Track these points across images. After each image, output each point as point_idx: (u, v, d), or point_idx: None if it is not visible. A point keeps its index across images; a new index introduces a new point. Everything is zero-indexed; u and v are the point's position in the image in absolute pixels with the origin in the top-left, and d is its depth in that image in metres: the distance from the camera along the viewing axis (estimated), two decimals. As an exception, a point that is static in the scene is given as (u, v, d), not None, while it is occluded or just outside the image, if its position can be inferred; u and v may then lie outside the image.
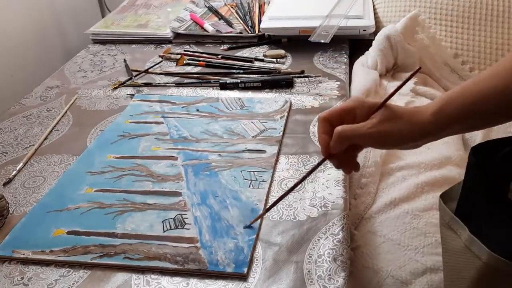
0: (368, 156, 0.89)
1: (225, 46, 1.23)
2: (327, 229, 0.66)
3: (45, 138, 0.90)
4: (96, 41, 1.33)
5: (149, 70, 1.13)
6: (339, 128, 0.57)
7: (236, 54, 1.18)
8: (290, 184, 0.74)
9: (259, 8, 1.37)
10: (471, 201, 0.54)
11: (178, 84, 1.06)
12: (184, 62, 1.15)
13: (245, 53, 1.19)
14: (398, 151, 0.93)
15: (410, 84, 1.14)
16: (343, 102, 0.56)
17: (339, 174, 0.75)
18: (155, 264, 0.61)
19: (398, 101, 1.09)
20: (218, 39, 1.27)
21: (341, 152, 0.59)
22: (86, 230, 0.67)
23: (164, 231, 0.66)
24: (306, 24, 1.18)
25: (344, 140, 0.57)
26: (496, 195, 0.48)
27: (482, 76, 0.53)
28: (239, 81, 1.03)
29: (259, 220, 0.67)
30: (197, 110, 0.95)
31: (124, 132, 0.89)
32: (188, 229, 0.66)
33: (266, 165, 0.78)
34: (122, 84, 1.07)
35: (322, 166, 0.77)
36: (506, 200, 0.47)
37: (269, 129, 0.87)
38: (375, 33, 1.16)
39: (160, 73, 1.12)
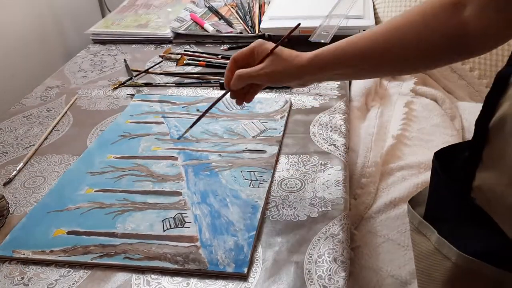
0: (368, 156, 0.89)
1: (225, 46, 1.23)
2: (327, 229, 0.66)
3: (45, 138, 0.90)
4: (96, 41, 1.33)
5: (149, 70, 1.13)
6: (238, 71, 0.69)
7: (236, 54, 1.18)
8: (291, 184, 0.74)
9: (259, 8, 1.37)
10: (437, 205, 0.56)
11: (178, 84, 1.06)
12: (184, 62, 1.15)
13: (245, 53, 1.19)
14: (398, 151, 0.93)
15: (410, 84, 1.14)
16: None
17: (339, 174, 0.75)
18: (155, 264, 0.61)
19: (398, 100, 1.09)
20: (218, 39, 1.27)
21: (241, 89, 0.72)
22: (86, 230, 0.67)
23: (164, 230, 0.66)
24: (306, 24, 1.18)
25: (241, 81, 0.69)
26: (460, 198, 0.49)
27: (354, 38, 0.64)
28: None
29: (258, 220, 0.67)
30: (197, 110, 0.95)
31: (124, 132, 0.89)
32: (188, 227, 0.66)
33: (266, 165, 0.78)
34: (122, 84, 1.07)
35: (323, 166, 0.78)
36: (470, 202, 0.48)
37: (269, 129, 0.87)
38: (375, 33, 1.16)
39: (160, 73, 1.12)
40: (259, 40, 0.71)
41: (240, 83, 0.70)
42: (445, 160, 0.54)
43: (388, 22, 0.62)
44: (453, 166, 0.52)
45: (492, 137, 0.43)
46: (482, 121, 0.43)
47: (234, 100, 0.90)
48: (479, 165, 0.46)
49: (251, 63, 0.70)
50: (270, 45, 0.69)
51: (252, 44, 0.70)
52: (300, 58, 0.66)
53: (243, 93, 0.74)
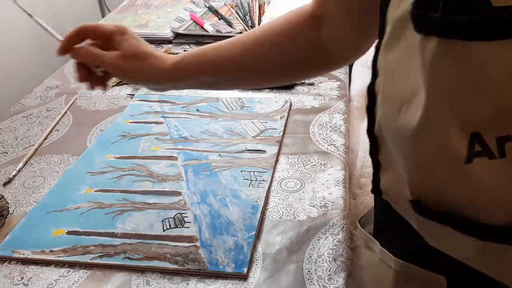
0: (368, 156, 0.89)
1: (225, 46, 1.22)
2: (327, 229, 0.66)
3: (45, 138, 0.90)
4: (96, 41, 1.32)
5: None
6: (89, 48, 0.62)
7: (236, 54, 1.18)
8: (291, 184, 0.74)
9: (259, 8, 1.37)
10: (378, 219, 0.58)
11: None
12: (184, 62, 1.15)
13: (245, 53, 1.19)
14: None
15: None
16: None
17: (339, 174, 0.76)
18: (155, 264, 0.61)
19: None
20: (218, 39, 1.26)
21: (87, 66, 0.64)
22: (86, 230, 0.67)
23: (164, 230, 0.66)
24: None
25: (87, 58, 0.62)
26: (385, 205, 0.51)
27: (219, 44, 0.63)
28: None
29: (258, 220, 0.67)
30: (197, 110, 0.95)
31: (124, 132, 0.89)
32: (188, 227, 0.66)
33: (266, 165, 0.78)
34: (120, 82, 1.08)
35: (322, 166, 0.78)
36: (392, 209, 0.50)
37: (269, 129, 0.87)
38: (375, 33, 1.16)
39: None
40: (123, 28, 0.64)
41: (82, 57, 0.62)
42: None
43: (253, 30, 0.63)
44: None
45: (380, 142, 0.46)
46: (369, 130, 0.46)
47: (234, 100, 0.90)
48: (380, 169, 0.49)
49: (104, 46, 0.63)
50: (139, 42, 0.65)
51: (113, 28, 0.63)
52: (162, 62, 0.62)
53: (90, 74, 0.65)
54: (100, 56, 0.62)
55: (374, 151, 0.48)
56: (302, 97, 0.98)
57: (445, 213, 0.40)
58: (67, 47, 0.63)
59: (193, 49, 0.64)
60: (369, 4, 0.51)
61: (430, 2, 0.35)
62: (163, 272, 0.61)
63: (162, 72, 0.62)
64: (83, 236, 0.66)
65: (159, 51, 0.64)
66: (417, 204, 0.43)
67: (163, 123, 0.92)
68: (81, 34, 0.63)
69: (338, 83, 1.03)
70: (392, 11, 0.40)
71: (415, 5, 0.36)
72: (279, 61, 0.61)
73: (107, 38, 0.63)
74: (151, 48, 0.64)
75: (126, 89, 1.06)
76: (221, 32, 1.27)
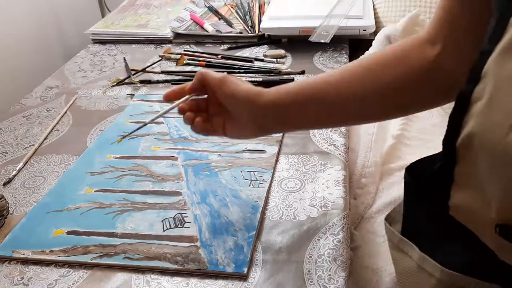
0: (368, 156, 0.89)
1: (225, 46, 1.23)
2: (327, 229, 0.66)
3: (45, 138, 0.90)
4: (96, 41, 1.33)
5: (149, 70, 1.13)
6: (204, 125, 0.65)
7: (236, 54, 1.18)
8: (291, 184, 0.74)
9: (259, 8, 1.37)
10: (414, 220, 0.55)
11: (175, 82, 1.06)
12: (184, 62, 1.15)
13: (245, 53, 1.19)
14: (397, 151, 0.93)
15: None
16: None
17: (339, 174, 0.75)
18: (155, 264, 0.61)
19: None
20: (218, 39, 1.27)
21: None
22: (86, 230, 0.67)
23: (164, 230, 0.66)
24: (306, 24, 1.18)
25: (200, 76, 0.63)
26: (437, 214, 0.48)
27: (322, 78, 0.59)
28: (244, 79, 1.03)
29: (258, 220, 0.67)
30: (197, 110, 0.95)
31: (124, 132, 0.89)
32: (188, 227, 0.66)
33: (266, 165, 0.78)
34: (120, 82, 1.08)
35: (322, 166, 0.77)
36: (448, 218, 0.47)
37: (269, 129, 0.87)
38: (375, 33, 1.16)
39: (160, 72, 1.12)
40: (220, 80, 0.62)
41: (197, 79, 0.64)
42: (417, 174, 0.53)
43: (358, 62, 0.60)
44: (426, 180, 0.51)
45: (461, 156, 0.42)
46: (449, 141, 0.43)
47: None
48: (452, 184, 0.45)
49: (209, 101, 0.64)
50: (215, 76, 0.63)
51: (214, 84, 0.63)
52: (261, 89, 0.61)
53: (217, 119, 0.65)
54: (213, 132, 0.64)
55: (450, 165, 0.44)
56: (302, 97, 0.98)
57: None
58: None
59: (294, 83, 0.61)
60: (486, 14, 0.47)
61: None
62: (163, 272, 0.61)
63: (262, 99, 0.60)
64: (83, 236, 0.66)
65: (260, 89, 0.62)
66: (506, 228, 0.39)
67: (163, 123, 0.92)
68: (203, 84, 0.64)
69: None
70: None
71: None
72: (392, 88, 0.57)
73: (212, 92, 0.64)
74: (246, 89, 0.61)
75: (126, 89, 1.06)
76: (221, 32, 1.27)
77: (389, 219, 0.58)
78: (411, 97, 0.59)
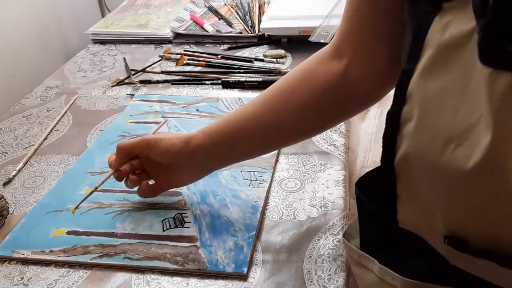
0: (367, 156, 0.89)
1: (225, 46, 1.23)
2: (327, 229, 0.66)
3: (45, 138, 0.90)
4: (96, 41, 1.33)
5: (149, 69, 1.13)
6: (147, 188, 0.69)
7: (236, 54, 1.18)
8: (290, 184, 0.74)
9: (259, 8, 1.37)
10: (370, 235, 0.55)
11: (174, 83, 1.06)
12: (184, 62, 1.15)
13: (245, 53, 1.19)
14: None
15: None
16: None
17: (339, 174, 0.75)
18: (155, 264, 0.61)
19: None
20: (218, 39, 1.27)
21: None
22: (86, 230, 0.67)
23: (163, 230, 0.66)
24: (306, 24, 1.18)
25: (121, 150, 0.67)
26: (388, 225, 0.49)
27: (238, 109, 0.63)
28: (244, 79, 1.03)
29: (258, 220, 0.67)
30: (197, 110, 0.95)
31: (124, 132, 0.89)
32: (188, 227, 0.66)
33: (266, 165, 0.78)
34: (120, 82, 1.08)
35: (322, 166, 0.78)
36: (399, 229, 0.47)
37: (269, 129, 0.87)
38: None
39: (160, 72, 1.12)
40: (145, 143, 0.66)
41: (121, 154, 0.66)
42: (366, 188, 0.53)
43: (273, 86, 0.62)
44: (374, 193, 0.51)
45: (400, 174, 0.43)
46: (386, 160, 0.43)
47: (234, 100, 0.90)
48: (397, 200, 0.46)
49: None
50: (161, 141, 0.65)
51: (139, 148, 0.66)
52: (191, 133, 0.65)
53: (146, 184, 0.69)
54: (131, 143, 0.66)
55: (391, 183, 0.44)
56: (302, 97, 0.98)
57: (492, 250, 0.38)
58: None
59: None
60: (398, 31, 0.48)
61: (504, 33, 0.32)
62: (163, 272, 0.61)
63: (190, 141, 0.64)
64: (83, 236, 0.66)
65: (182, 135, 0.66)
66: (453, 239, 0.40)
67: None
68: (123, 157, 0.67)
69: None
70: (435, 34, 0.37)
71: (483, 34, 0.33)
72: (307, 108, 0.59)
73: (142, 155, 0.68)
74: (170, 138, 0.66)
75: (126, 89, 1.06)
76: (221, 32, 1.27)
77: (346, 236, 0.59)
78: (326, 112, 0.60)
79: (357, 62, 0.56)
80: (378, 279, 0.52)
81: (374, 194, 0.51)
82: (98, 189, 0.75)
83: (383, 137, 0.43)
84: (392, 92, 0.55)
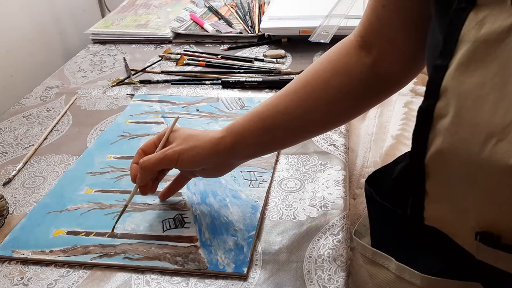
0: (367, 156, 0.89)
1: (225, 46, 1.23)
2: (327, 229, 0.66)
3: (45, 138, 0.90)
4: (96, 41, 1.33)
5: (149, 69, 1.13)
6: (141, 161, 0.63)
7: (236, 54, 1.18)
8: (290, 184, 0.74)
9: (259, 8, 1.37)
10: (382, 232, 0.55)
11: (174, 83, 1.06)
12: (184, 62, 1.15)
13: (245, 53, 1.19)
14: (397, 151, 0.93)
15: (410, 84, 1.14)
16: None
17: (339, 174, 0.76)
18: (155, 264, 0.61)
19: (398, 100, 1.09)
20: (218, 39, 1.27)
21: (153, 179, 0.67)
22: (86, 230, 0.67)
23: (164, 231, 0.66)
24: (306, 24, 1.18)
25: (147, 171, 0.63)
26: (400, 223, 0.49)
27: (267, 101, 0.62)
28: (244, 79, 1.03)
29: (258, 220, 0.67)
30: (197, 110, 0.95)
31: (124, 132, 0.89)
32: (188, 227, 0.66)
33: (266, 165, 0.78)
34: (120, 82, 1.08)
35: (322, 166, 0.77)
36: (420, 226, 0.47)
37: (269, 129, 0.87)
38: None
39: (160, 72, 1.12)
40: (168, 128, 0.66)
41: (146, 173, 0.64)
42: (377, 185, 0.53)
43: (297, 79, 0.61)
44: (385, 189, 0.51)
45: (431, 172, 0.42)
46: (417, 157, 0.43)
47: (234, 100, 0.89)
48: (425, 198, 0.45)
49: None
50: (183, 129, 0.65)
51: (161, 132, 0.66)
52: (213, 133, 0.63)
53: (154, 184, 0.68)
54: (152, 158, 0.63)
55: (421, 180, 0.44)
56: (302, 97, 0.98)
57: None
58: (135, 176, 0.66)
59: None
60: (424, 23, 0.48)
61: None
62: (163, 272, 0.61)
63: (215, 139, 0.62)
64: (83, 236, 0.66)
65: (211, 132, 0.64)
66: (485, 235, 0.40)
67: (163, 123, 0.92)
68: (141, 156, 0.66)
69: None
70: (470, 30, 0.37)
71: None
72: (340, 100, 0.59)
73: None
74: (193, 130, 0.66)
75: (126, 89, 1.06)
76: (221, 32, 1.27)
77: (356, 234, 0.58)
78: (358, 102, 0.61)
79: (386, 53, 0.56)
80: (394, 277, 0.51)
81: (386, 191, 0.50)
82: (99, 189, 0.75)
83: (413, 134, 0.42)
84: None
